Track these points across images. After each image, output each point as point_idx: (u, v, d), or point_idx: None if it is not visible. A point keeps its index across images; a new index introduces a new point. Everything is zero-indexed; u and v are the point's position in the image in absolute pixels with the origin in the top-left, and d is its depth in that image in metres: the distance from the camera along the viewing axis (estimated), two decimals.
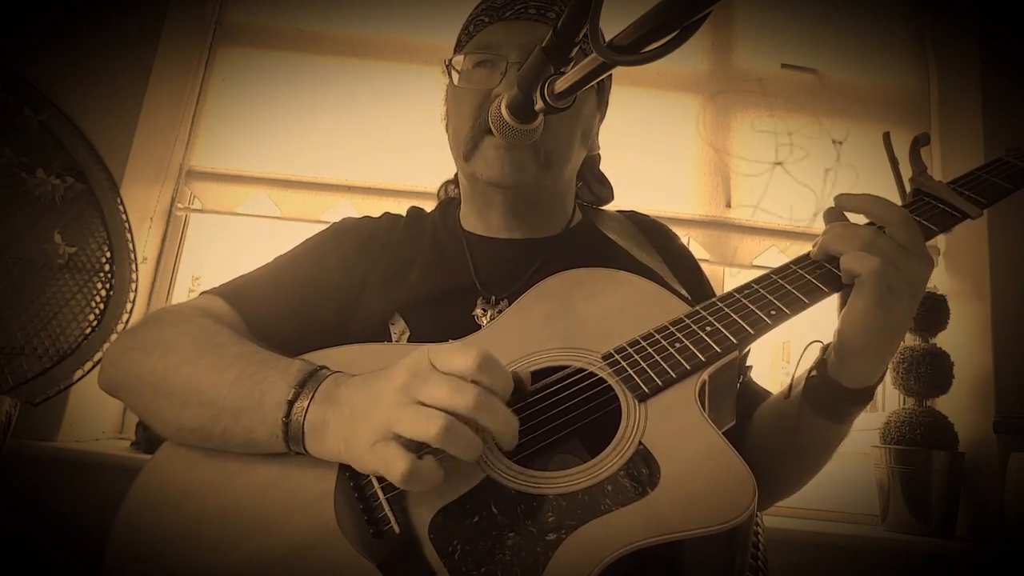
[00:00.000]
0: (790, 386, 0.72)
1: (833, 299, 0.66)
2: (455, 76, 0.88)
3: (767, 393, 0.88)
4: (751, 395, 0.87)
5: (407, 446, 0.53)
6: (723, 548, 0.51)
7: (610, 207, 1.04)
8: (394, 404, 0.54)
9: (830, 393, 0.69)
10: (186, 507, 0.62)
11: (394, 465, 0.52)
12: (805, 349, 0.71)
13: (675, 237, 0.99)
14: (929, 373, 1.55)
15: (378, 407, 0.55)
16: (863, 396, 0.69)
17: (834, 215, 0.69)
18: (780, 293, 0.66)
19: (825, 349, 0.70)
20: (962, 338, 1.63)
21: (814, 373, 0.70)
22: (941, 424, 1.54)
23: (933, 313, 1.60)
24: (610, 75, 0.95)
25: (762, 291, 0.67)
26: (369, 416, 0.56)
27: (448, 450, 0.52)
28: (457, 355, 0.54)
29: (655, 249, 0.93)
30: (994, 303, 1.62)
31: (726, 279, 1.79)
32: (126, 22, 1.75)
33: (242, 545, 0.58)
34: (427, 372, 0.55)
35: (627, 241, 0.93)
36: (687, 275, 0.92)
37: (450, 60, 0.89)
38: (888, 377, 1.60)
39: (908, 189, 0.74)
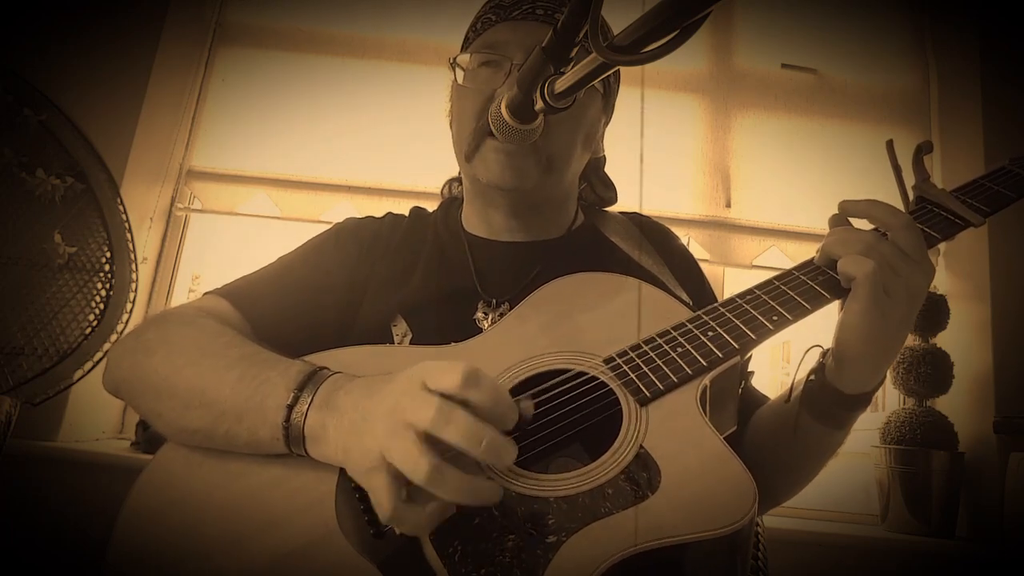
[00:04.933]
0: (791, 389, 0.72)
1: (836, 304, 0.66)
2: (460, 74, 0.88)
3: (765, 398, 0.88)
4: (749, 400, 0.87)
5: (400, 478, 0.52)
6: (724, 553, 0.51)
7: (612, 208, 1.04)
8: (386, 430, 0.52)
9: (828, 398, 0.69)
10: (188, 507, 0.62)
11: (382, 504, 0.51)
12: (805, 353, 0.71)
13: (676, 238, 0.99)
14: (929, 373, 1.55)
15: (373, 428, 0.54)
16: (860, 402, 0.68)
17: (839, 220, 0.69)
18: (783, 299, 0.66)
19: (825, 353, 0.69)
20: (962, 338, 1.63)
21: (812, 377, 0.70)
22: (941, 424, 1.54)
23: (933, 313, 1.60)
24: (618, 79, 0.95)
25: (764, 297, 0.67)
26: (363, 435, 0.54)
27: (435, 493, 0.50)
28: (445, 373, 0.52)
29: (657, 251, 0.93)
30: (994, 303, 1.62)
31: (726, 279, 1.79)
32: (126, 22, 1.75)
33: (243, 545, 0.58)
34: (419, 393, 0.53)
35: (629, 244, 0.92)
36: (688, 277, 0.92)
37: (455, 58, 0.88)
38: (888, 377, 1.60)
39: (911, 196, 0.74)
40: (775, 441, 0.77)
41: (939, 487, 1.49)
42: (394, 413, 0.53)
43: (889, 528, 1.54)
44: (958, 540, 1.49)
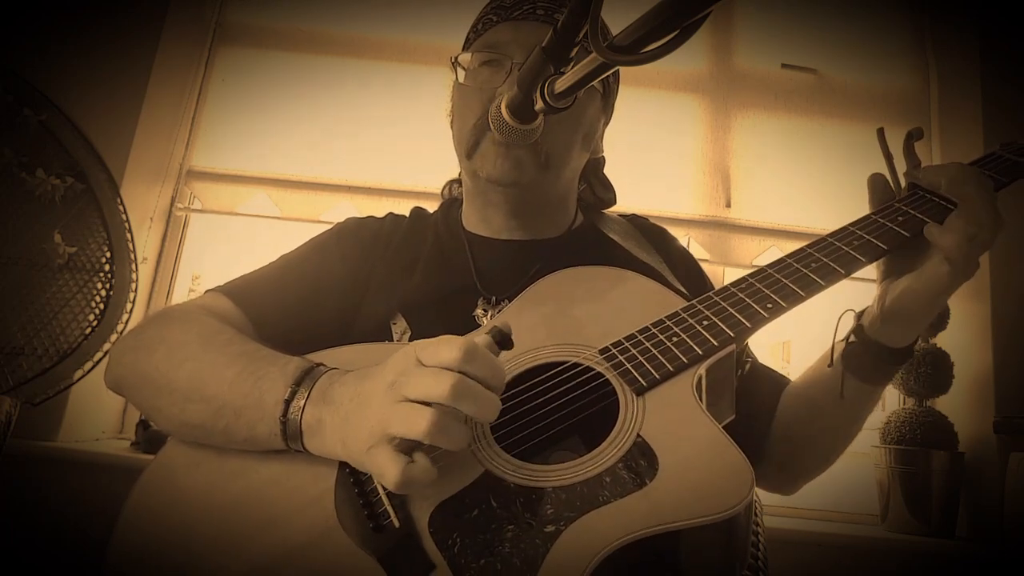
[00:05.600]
0: (831, 353, 0.74)
1: (827, 293, 0.66)
2: (461, 74, 0.88)
3: (785, 378, 0.89)
4: (769, 381, 0.88)
5: (400, 448, 0.53)
6: (721, 539, 0.51)
7: (611, 209, 1.04)
8: (383, 403, 0.54)
9: (873, 355, 0.72)
10: (188, 507, 0.62)
11: (388, 472, 0.52)
12: (840, 317, 0.73)
13: (674, 239, 1.00)
14: (929, 373, 1.55)
15: (369, 408, 0.55)
16: (905, 354, 0.73)
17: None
18: (776, 287, 0.66)
19: (859, 316, 0.73)
20: (962, 338, 1.63)
21: (852, 339, 0.73)
22: (941, 424, 1.54)
23: None
24: (617, 80, 0.96)
25: (758, 285, 0.68)
26: (361, 417, 0.55)
27: (439, 444, 0.52)
28: (442, 347, 0.54)
29: (656, 251, 0.93)
30: (994, 303, 1.62)
31: (726, 279, 1.79)
32: (126, 22, 1.75)
33: (244, 543, 0.58)
34: (413, 368, 0.54)
35: (629, 242, 0.93)
36: (688, 276, 0.92)
37: (456, 57, 0.89)
38: None
39: (903, 183, 0.75)
40: (818, 410, 0.80)
41: (939, 487, 1.49)
42: (390, 388, 0.54)
43: (889, 528, 1.53)
44: (958, 540, 1.49)
